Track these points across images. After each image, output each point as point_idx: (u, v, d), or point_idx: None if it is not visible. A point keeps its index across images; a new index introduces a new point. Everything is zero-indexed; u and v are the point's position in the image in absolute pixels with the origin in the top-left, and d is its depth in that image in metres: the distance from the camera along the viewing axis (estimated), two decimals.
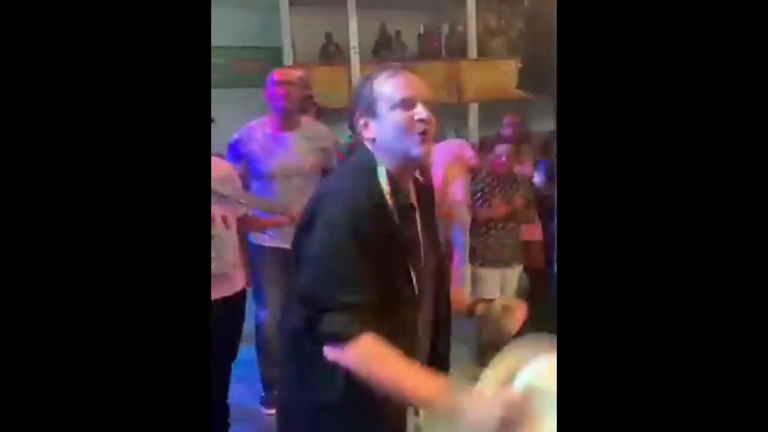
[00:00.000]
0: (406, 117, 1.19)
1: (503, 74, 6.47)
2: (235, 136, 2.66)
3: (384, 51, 6.49)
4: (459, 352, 2.89)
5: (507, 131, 3.59)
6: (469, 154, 3.68)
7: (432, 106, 1.22)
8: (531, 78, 6.19)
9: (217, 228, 2.05)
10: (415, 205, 1.30)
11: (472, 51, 6.52)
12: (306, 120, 2.81)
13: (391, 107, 1.19)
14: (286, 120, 2.63)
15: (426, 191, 1.35)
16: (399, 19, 6.67)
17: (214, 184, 2.01)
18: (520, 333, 1.39)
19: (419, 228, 1.29)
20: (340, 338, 1.15)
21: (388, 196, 1.20)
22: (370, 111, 1.22)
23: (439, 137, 5.63)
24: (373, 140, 1.23)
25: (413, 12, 6.74)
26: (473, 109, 6.53)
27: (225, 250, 2.08)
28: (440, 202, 2.21)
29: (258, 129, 2.65)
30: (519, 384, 1.18)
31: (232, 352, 2.23)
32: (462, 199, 3.10)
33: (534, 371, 1.20)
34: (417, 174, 1.33)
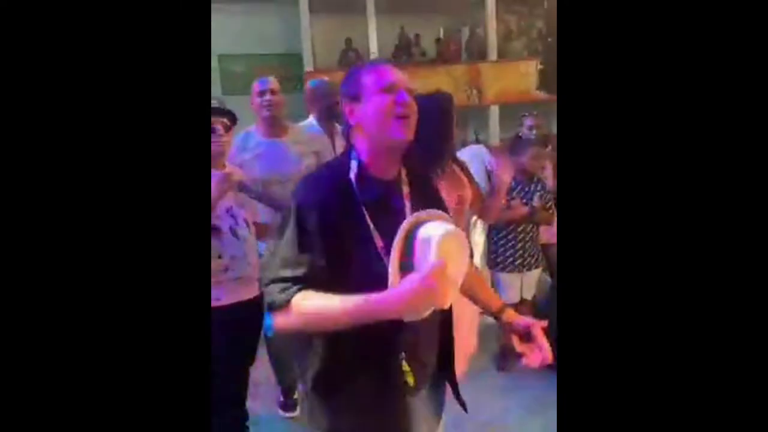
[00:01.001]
0: (388, 100, 1.29)
1: (524, 76, 6.44)
2: None
3: (403, 55, 6.50)
4: (480, 359, 2.86)
5: (528, 133, 3.56)
6: (487, 158, 3.65)
7: (413, 94, 1.33)
8: (551, 79, 6.15)
9: (242, 232, 2.08)
10: (403, 192, 1.39)
11: (492, 53, 6.50)
12: (295, 126, 2.87)
13: (375, 92, 1.30)
14: (274, 127, 2.69)
15: (420, 180, 1.46)
16: (418, 23, 6.68)
17: (237, 185, 2.04)
18: None
19: (407, 214, 1.36)
20: (273, 307, 1.25)
21: (355, 186, 1.31)
22: (355, 97, 1.33)
23: (461, 140, 5.60)
24: (359, 125, 1.33)
25: (433, 16, 6.75)
26: (494, 112, 6.50)
27: (250, 253, 2.11)
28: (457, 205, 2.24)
29: (248, 138, 2.71)
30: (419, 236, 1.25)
31: (251, 356, 2.25)
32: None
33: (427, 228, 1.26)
34: (411, 165, 1.44)
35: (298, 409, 2.87)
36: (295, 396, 2.91)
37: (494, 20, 6.38)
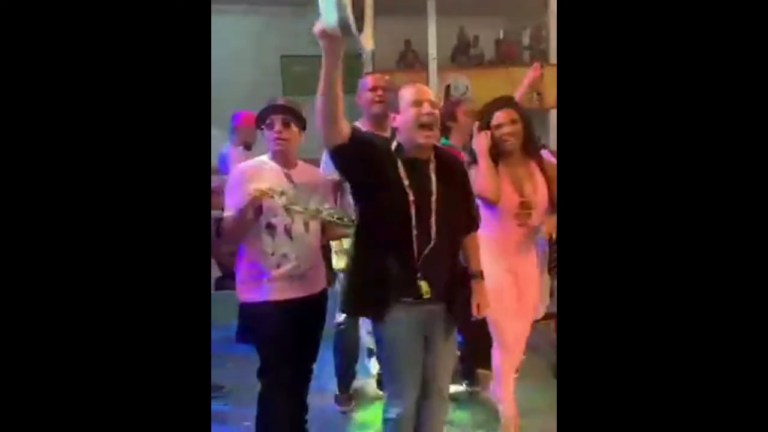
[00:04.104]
0: (416, 112, 1.79)
1: None
2: None
3: (461, 57, 6.47)
4: (537, 364, 2.81)
5: None
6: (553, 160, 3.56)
7: (436, 107, 1.84)
8: None
9: (296, 231, 2.11)
10: (431, 167, 1.87)
11: (554, 56, 6.35)
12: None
13: (408, 106, 1.81)
14: (380, 123, 2.72)
15: (446, 160, 1.94)
16: (478, 24, 6.62)
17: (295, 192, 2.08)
18: None
19: (433, 185, 1.85)
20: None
21: (393, 149, 1.87)
22: (396, 109, 1.87)
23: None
24: (397, 128, 1.88)
25: (493, 17, 6.68)
26: (554, 115, 6.35)
27: (303, 252, 2.15)
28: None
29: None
30: None
31: (312, 352, 2.28)
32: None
33: None
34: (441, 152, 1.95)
35: (353, 403, 2.94)
36: (351, 391, 2.98)
37: (556, 22, 6.23)
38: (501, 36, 6.67)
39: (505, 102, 2.43)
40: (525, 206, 2.30)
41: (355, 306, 1.98)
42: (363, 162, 1.76)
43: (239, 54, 6.49)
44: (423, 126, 1.79)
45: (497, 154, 2.31)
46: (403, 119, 1.82)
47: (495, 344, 2.37)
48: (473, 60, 6.47)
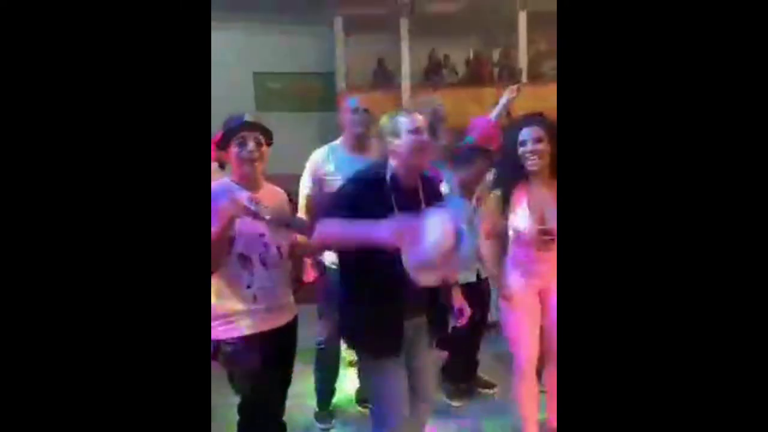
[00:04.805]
0: (415, 139, 2.00)
1: (555, 98, 6.38)
2: (314, 156, 2.83)
3: (433, 76, 6.56)
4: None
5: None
6: None
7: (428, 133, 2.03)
8: None
9: (272, 260, 2.05)
10: (419, 191, 2.08)
11: (524, 75, 6.49)
12: (375, 142, 2.93)
13: (407, 132, 2.02)
14: (361, 143, 2.76)
15: (430, 185, 2.16)
16: (450, 44, 6.74)
17: (266, 210, 2.02)
18: None
19: (422, 207, 2.00)
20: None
21: (388, 179, 2.04)
22: (396, 134, 2.04)
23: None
24: (395, 151, 2.03)
25: (464, 37, 6.80)
26: None
27: (280, 281, 2.09)
28: None
29: (333, 152, 2.81)
30: None
31: (286, 378, 2.24)
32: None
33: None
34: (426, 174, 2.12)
35: (333, 421, 2.92)
36: (331, 408, 2.96)
37: (525, 42, 6.38)
38: (471, 56, 6.80)
39: (533, 119, 2.28)
40: (545, 233, 2.20)
41: (365, 339, 2.05)
42: (358, 208, 1.91)
43: (212, 70, 6.45)
44: (419, 150, 2.01)
45: (520, 172, 2.24)
46: (401, 144, 2.02)
47: (516, 363, 2.30)
48: (445, 79, 6.56)
